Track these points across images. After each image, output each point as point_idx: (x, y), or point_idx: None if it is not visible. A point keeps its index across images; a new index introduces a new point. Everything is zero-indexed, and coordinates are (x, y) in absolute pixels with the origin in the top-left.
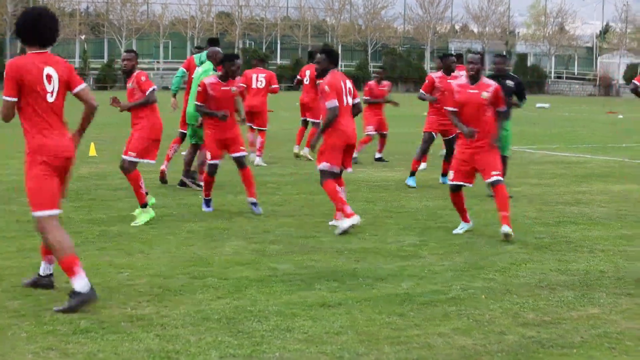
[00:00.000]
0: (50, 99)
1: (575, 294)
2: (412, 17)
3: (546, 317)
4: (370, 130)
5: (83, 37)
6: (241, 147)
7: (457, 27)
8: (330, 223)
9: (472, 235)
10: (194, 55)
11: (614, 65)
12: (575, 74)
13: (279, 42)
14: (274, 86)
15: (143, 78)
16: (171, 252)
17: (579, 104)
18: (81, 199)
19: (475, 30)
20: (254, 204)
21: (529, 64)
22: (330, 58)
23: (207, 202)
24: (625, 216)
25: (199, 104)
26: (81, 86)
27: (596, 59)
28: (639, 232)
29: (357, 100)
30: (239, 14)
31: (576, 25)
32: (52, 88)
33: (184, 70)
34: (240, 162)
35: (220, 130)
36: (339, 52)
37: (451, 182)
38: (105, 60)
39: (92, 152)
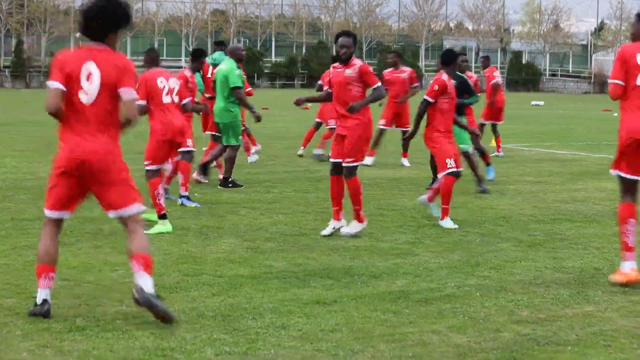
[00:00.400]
0: (85, 99)
1: (570, 292)
2: (406, 14)
3: (541, 314)
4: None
5: (78, 34)
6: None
7: (451, 25)
8: (325, 232)
9: (467, 232)
10: (206, 59)
11: (609, 62)
12: (570, 71)
13: (273, 39)
14: (248, 89)
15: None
16: (165, 249)
17: (574, 101)
18: None
19: (470, 28)
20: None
21: (523, 61)
22: (355, 42)
23: (189, 197)
24: None
25: None
26: (126, 94)
27: (591, 56)
28: None
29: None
30: (233, 12)
31: (571, 23)
32: (89, 87)
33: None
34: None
35: (189, 121)
36: (334, 50)
37: (456, 170)
38: None
39: None
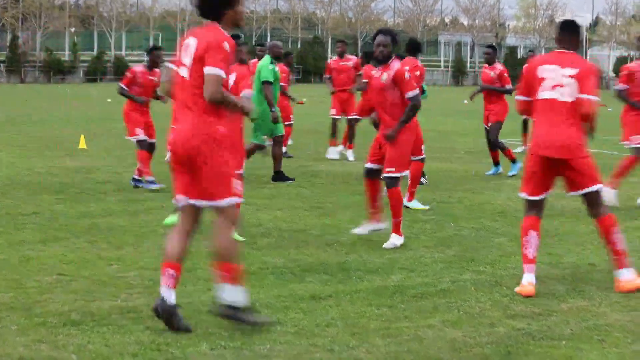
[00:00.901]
0: (184, 74)
1: (565, 287)
2: (402, 9)
3: (536, 309)
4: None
5: (73, 29)
6: (154, 135)
7: (447, 20)
8: (355, 231)
9: (462, 228)
10: None
11: (604, 58)
12: None
13: (268, 34)
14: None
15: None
16: (161, 245)
17: None
18: (69, 192)
19: (465, 23)
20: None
21: (519, 56)
22: (395, 41)
23: (153, 181)
24: (616, 210)
25: (123, 86)
26: (207, 70)
27: (586, 51)
28: (628, 226)
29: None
30: None
31: (566, 18)
32: (186, 62)
33: None
34: (153, 147)
35: (142, 113)
36: (329, 44)
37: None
38: (95, 52)
39: (82, 144)
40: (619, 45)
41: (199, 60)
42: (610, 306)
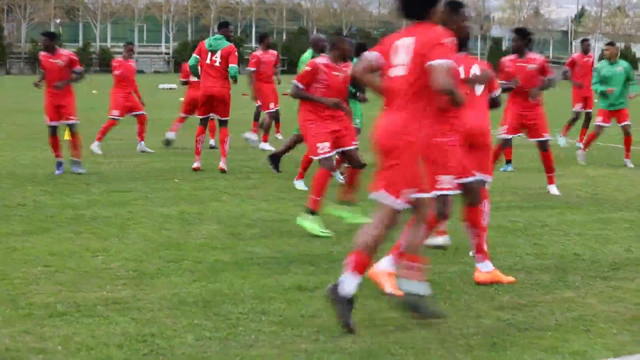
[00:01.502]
0: (400, 72)
1: (551, 278)
2: (387, 1)
3: (521, 300)
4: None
5: (58, 20)
6: (70, 117)
7: None
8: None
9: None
10: (205, 40)
11: (590, 48)
12: (551, 57)
13: (254, 25)
14: (116, 72)
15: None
16: (146, 236)
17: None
18: (54, 183)
19: None
20: (78, 162)
21: (504, 47)
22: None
23: (59, 165)
24: (601, 200)
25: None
26: (434, 62)
27: (571, 43)
28: (614, 216)
29: (496, 92)
30: None
31: (551, 9)
32: (399, 61)
33: (196, 56)
34: (71, 128)
35: (54, 97)
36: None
37: None
38: (81, 44)
39: (67, 136)
40: (604, 36)
41: (419, 57)
42: (595, 296)
